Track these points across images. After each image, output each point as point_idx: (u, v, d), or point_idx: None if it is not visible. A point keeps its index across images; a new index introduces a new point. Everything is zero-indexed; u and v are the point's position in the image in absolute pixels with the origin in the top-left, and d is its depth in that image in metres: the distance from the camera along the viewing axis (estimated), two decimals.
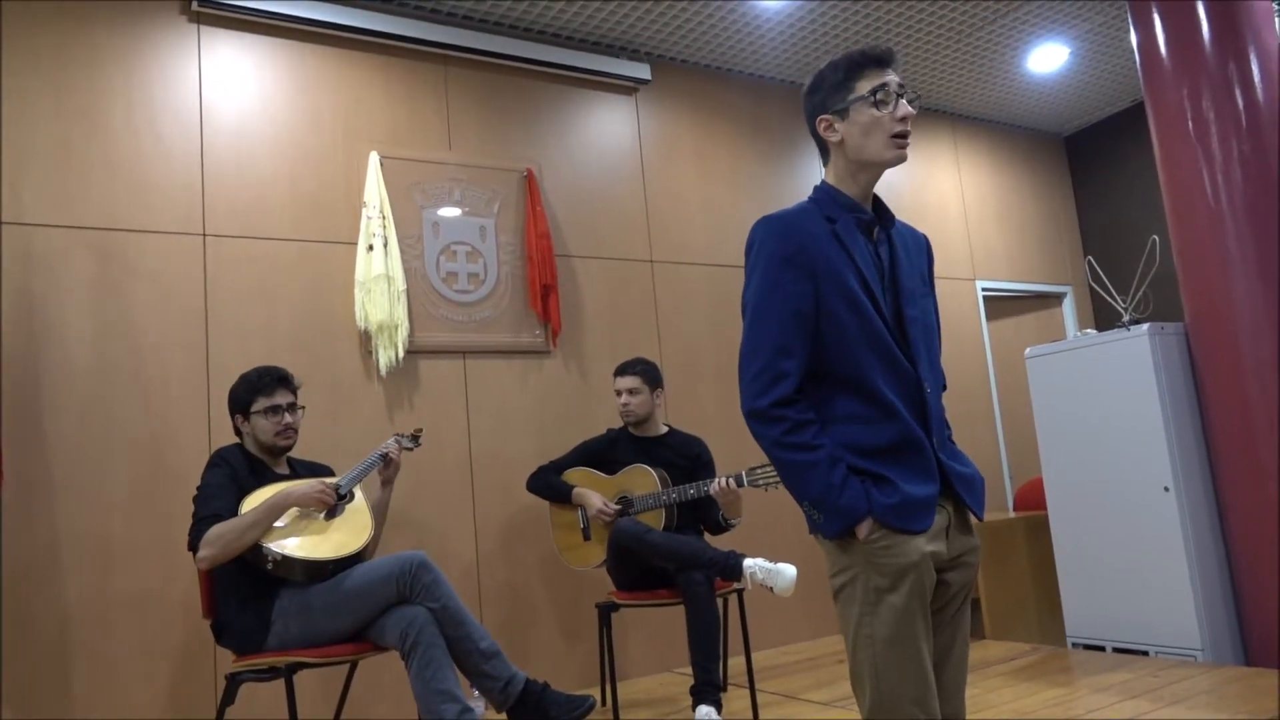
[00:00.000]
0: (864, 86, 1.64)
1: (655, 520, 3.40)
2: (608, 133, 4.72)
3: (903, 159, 1.66)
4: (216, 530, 2.61)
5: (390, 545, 3.62)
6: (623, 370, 3.66)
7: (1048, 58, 5.33)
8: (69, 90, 3.46)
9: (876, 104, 1.63)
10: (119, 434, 3.36)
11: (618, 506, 3.47)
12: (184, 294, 3.56)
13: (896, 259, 1.70)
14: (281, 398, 2.90)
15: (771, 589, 3.10)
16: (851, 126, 1.66)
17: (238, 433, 2.95)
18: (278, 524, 2.69)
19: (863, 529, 1.56)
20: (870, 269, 1.65)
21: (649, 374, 3.64)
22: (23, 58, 3.39)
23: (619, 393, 3.63)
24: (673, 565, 3.24)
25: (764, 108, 5.26)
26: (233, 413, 2.93)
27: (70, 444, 3.27)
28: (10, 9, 3.39)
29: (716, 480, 3.27)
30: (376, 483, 3.09)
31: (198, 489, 2.76)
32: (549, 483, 3.64)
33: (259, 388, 2.88)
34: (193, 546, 2.65)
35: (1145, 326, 3.88)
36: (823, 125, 1.69)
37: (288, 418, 2.89)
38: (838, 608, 1.63)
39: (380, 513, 3.05)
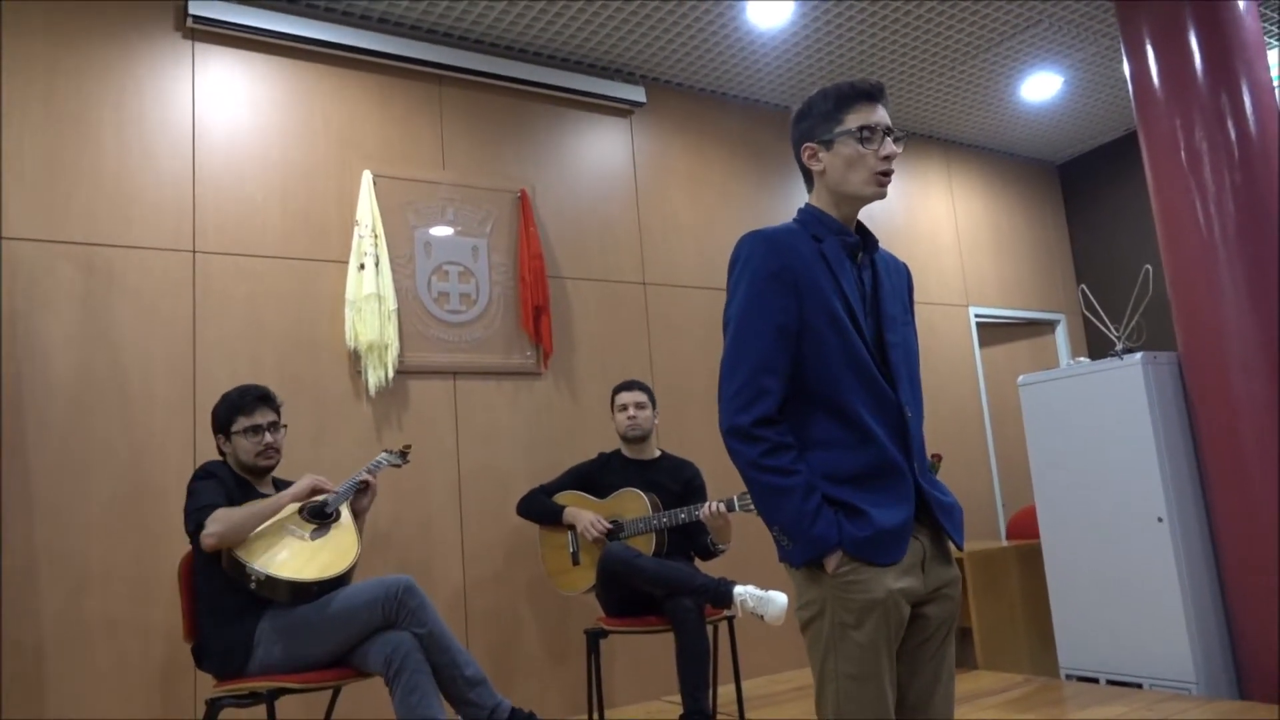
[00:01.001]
0: (852, 121, 1.65)
1: (645, 545, 3.37)
2: (602, 154, 4.72)
3: (881, 196, 1.67)
4: (223, 512, 2.62)
5: (376, 568, 3.58)
6: (629, 385, 3.66)
7: (1041, 86, 5.36)
8: (60, 103, 3.44)
9: (862, 140, 1.64)
10: (101, 451, 3.31)
11: (609, 526, 3.44)
12: (171, 310, 3.52)
13: (879, 284, 1.70)
14: (262, 416, 2.85)
15: (762, 617, 3.07)
16: (835, 158, 1.66)
17: (221, 454, 2.90)
18: (261, 543, 2.65)
19: (831, 562, 1.55)
20: (854, 292, 1.65)
21: (651, 392, 3.66)
22: (15, 68, 3.37)
23: (624, 407, 3.60)
24: (662, 591, 3.20)
25: (758, 131, 5.28)
26: (215, 433, 2.89)
27: (51, 460, 3.23)
28: (4, 21, 3.38)
29: (707, 504, 3.25)
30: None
31: (188, 496, 2.72)
32: (540, 504, 3.60)
33: (239, 406, 2.84)
34: (193, 530, 2.62)
35: (1138, 355, 3.88)
36: (807, 153, 1.71)
37: (269, 437, 2.85)
38: (805, 640, 1.62)
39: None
